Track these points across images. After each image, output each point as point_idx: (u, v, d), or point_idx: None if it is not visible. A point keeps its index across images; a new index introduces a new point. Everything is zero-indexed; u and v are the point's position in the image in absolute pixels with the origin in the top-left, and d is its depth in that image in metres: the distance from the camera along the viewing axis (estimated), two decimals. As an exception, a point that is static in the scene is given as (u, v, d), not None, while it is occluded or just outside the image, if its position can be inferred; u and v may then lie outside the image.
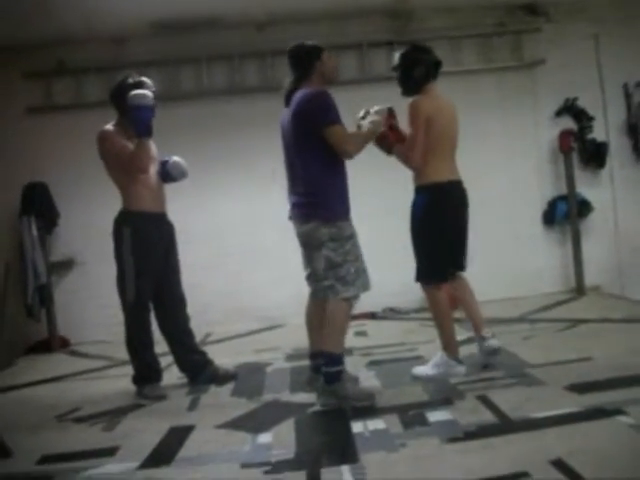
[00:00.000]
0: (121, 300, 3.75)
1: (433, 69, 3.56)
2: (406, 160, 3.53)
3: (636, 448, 2.37)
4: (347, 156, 3.26)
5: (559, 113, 6.06)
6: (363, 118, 3.44)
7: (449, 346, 3.58)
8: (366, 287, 3.25)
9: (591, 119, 6.01)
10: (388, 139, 3.53)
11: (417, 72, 3.52)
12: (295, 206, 3.33)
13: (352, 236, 3.25)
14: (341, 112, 3.21)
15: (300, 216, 3.27)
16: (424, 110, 3.43)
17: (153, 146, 3.82)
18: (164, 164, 3.90)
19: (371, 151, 3.51)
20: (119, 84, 3.74)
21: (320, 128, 3.16)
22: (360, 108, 3.52)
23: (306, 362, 3.64)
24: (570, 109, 6.04)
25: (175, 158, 3.93)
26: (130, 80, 3.71)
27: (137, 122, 3.57)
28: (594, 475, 2.15)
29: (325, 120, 3.16)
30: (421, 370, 3.60)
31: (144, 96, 3.54)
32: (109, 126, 3.74)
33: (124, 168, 3.65)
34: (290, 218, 3.41)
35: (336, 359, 3.16)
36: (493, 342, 3.62)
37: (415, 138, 3.43)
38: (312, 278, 3.40)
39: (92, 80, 5.72)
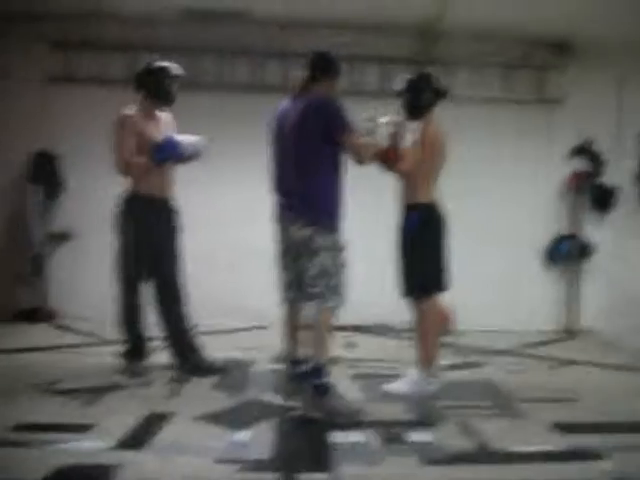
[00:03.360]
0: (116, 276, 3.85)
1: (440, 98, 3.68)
2: (403, 172, 3.52)
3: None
4: (362, 163, 3.29)
5: (573, 153, 6.06)
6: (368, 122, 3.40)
7: (430, 363, 3.56)
8: (344, 300, 3.26)
9: (604, 163, 6.02)
10: (389, 156, 3.49)
11: (432, 100, 3.62)
12: (294, 208, 3.27)
13: (344, 248, 3.27)
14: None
15: (300, 220, 3.22)
16: (441, 137, 3.60)
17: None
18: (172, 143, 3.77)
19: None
20: (147, 66, 3.85)
21: (342, 133, 3.17)
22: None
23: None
24: (585, 150, 6.04)
25: (191, 138, 3.86)
26: (157, 64, 3.85)
27: (163, 153, 3.68)
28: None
29: (348, 126, 3.18)
30: (394, 387, 3.58)
31: (192, 147, 3.78)
32: (129, 110, 3.77)
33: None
34: (279, 219, 3.36)
35: (326, 370, 3.15)
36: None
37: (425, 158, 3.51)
38: (295, 284, 3.38)
39: (116, 57, 5.70)
